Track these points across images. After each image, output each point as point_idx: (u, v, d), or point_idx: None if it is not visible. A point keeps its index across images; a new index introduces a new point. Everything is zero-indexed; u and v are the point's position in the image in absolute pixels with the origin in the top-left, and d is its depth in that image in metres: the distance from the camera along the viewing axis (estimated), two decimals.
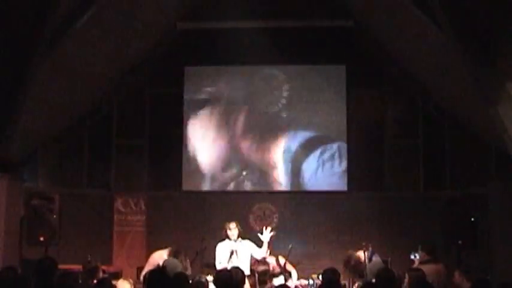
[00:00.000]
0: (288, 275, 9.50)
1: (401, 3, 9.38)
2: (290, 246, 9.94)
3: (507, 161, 9.24)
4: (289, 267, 9.56)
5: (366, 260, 9.39)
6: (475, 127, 11.12)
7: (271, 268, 9.30)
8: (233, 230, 9.42)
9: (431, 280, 8.40)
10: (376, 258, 9.40)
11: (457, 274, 7.83)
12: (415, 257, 9.08)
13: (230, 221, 9.63)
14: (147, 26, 11.33)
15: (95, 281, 7.69)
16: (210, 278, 7.24)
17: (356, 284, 9.35)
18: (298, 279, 9.62)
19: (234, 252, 9.34)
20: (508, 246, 9.95)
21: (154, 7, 10.97)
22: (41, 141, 11.47)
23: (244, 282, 6.69)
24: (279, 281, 9.58)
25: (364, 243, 9.59)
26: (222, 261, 9.34)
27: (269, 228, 9.78)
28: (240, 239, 9.49)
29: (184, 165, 12.08)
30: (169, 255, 8.96)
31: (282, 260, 9.67)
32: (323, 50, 12.00)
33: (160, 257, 9.14)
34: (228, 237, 9.46)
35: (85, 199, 11.77)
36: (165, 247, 9.27)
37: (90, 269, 8.16)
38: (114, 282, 8.57)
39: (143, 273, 9.07)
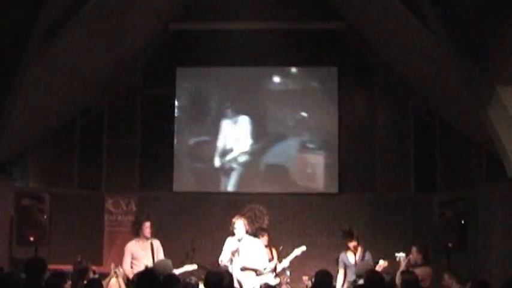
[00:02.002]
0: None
1: (393, 6, 9.40)
2: (280, 247, 9.98)
3: (497, 163, 9.27)
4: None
5: (357, 260, 9.44)
6: (466, 129, 11.15)
7: None
8: (238, 228, 9.15)
9: (429, 283, 8.45)
10: (368, 258, 9.44)
11: (446, 276, 7.86)
12: (399, 258, 9.09)
13: (236, 216, 9.44)
14: (139, 26, 11.33)
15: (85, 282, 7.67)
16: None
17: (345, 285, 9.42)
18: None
19: (237, 252, 9.15)
20: (497, 248, 9.97)
21: (146, 7, 10.96)
22: (32, 141, 11.43)
23: (232, 285, 6.69)
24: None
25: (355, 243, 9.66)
26: (223, 259, 9.23)
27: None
28: (247, 236, 9.26)
29: (175, 166, 12.06)
30: None
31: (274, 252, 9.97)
32: (315, 52, 12.03)
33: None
34: (233, 233, 9.24)
35: (75, 199, 11.72)
36: None
37: (81, 269, 8.14)
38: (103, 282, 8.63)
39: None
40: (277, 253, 10.06)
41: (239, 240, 9.18)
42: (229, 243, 9.25)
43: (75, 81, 10.94)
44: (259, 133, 12.07)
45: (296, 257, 9.90)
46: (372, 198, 11.81)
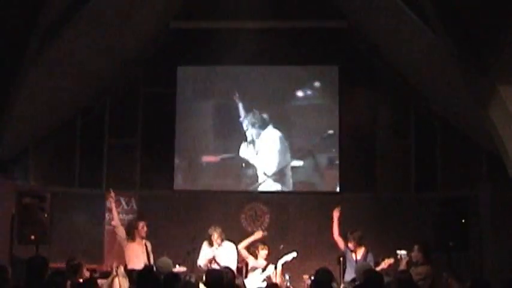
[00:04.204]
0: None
1: (395, 5, 9.40)
2: (281, 246, 9.99)
3: (498, 163, 9.26)
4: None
5: (358, 260, 9.44)
6: (467, 129, 11.16)
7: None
8: (216, 239, 9.80)
9: (430, 281, 8.45)
10: (369, 259, 9.43)
11: (446, 275, 7.86)
12: (401, 256, 9.10)
13: (216, 225, 10.02)
14: (140, 25, 11.32)
15: (80, 280, 7.66)
16: None
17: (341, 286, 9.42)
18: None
19: (214, 258, 9.72)
20: (498, 247, 9.99)
21: (147, 6, 10.95)
22: (33, 139, 11.44)
23: (234, 282, 6.70)
24: (257, 272, 9.73)
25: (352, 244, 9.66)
26: (201, 263, 9.78)
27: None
28: (223, 243, 9.86)
29: (176, 164, 12.08)
30: None
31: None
32: (316, 51, 12.03)
33: None
34: (210, 242, 9.83)
35: (76, 198, 11.74)
36: None
37: (72, 266, 8.08)
38: (104, 280, 8.65)
39: None
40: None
41: (217, 248, 9.85)
42: (207, 250, 9.91)
43: (76, 80, 10.94)
44: (258, 131, 12.08)
45: (289, 261, 9.94)
46: (372, 198, 11.81)
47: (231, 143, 12.11)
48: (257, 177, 12.00)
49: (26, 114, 10.00)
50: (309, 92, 12.15)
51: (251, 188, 12.03)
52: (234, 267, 9.43)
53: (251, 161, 12.00)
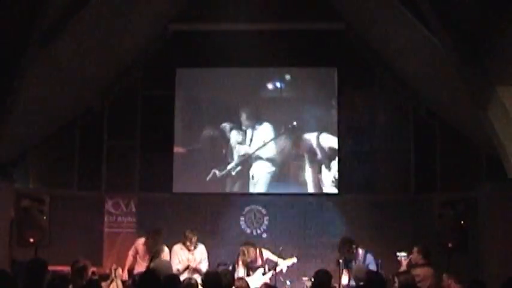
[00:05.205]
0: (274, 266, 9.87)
1: (393, 7, 9.41)
2: (280, 248, 9.98)
3: (497, 164, 9.27)
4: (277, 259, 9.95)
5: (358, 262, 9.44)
6: (466, 130, 11.16)
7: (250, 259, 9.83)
8: (193, 243, 9.96)
9: (429, 283, 8.44)
10: (369, 262, 9.42)
11: (445, 277, 7.86)
12: (401, 258, 9.10)
13: (192, 230, 10.11)
14: (139, 27, 11.33)
15: (84, 282, 7.65)
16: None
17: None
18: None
19: (188, 259, 9.89)
20: (497, 249, 9.98)
21: (146, 8, 10.96)
22: (32, 142, 11.43)
23: (233, 284, 6.70)
24: (258, 273, 9.72)
25: (354, 246, 9.67)
26: (180, 268, 9.80)
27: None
28: (195, 244, 10.04)
29: (175, 167, 12.06)
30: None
31: (265, 253, 9.85)
32: (314, 53, 12.03)
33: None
34: (185, 244, 9.95)
35: (75, 200, 11.72)
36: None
37: (78, 268, 8.08)
38: (104, 283, 8.64)
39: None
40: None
41: (189, 250, 10.04)
42: (181, 253, 10.06)
43: (75, 83, 10.93)
44: (258, 134, 12.07)
45: (289, 266, 9.97)
46: (371, 199, 11.80)
47: (229, 145, 12.10)
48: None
49: (25, 116, 9.99)
50: (308, 94, 12.15)
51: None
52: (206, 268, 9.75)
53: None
